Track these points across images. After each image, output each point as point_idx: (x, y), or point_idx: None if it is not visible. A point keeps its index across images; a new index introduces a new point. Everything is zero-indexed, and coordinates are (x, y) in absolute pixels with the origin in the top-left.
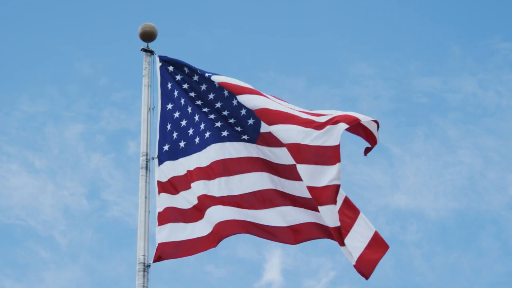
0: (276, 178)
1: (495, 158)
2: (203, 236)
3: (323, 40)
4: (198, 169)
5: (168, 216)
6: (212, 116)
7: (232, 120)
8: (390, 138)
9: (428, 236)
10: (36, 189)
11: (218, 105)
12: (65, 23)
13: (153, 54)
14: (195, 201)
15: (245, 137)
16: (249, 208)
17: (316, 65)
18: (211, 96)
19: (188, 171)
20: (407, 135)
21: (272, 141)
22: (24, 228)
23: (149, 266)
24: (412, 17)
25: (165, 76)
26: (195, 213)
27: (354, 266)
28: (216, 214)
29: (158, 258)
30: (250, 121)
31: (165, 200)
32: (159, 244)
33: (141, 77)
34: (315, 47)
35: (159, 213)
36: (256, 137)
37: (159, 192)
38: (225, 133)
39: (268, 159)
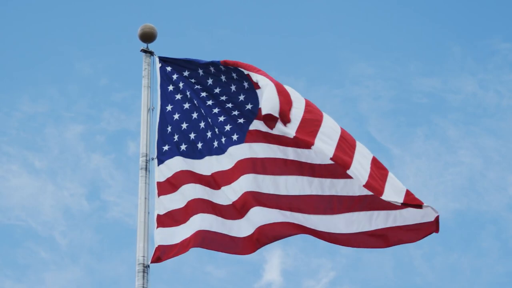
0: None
1: (495, 159)
2: (242, 237)
3: (323, 41)
4: (218, 173)
5: (169, 220)
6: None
7: (222, 118)
8: (390, 138)
9: (428, 236)
10: (36, 189)
11: (209, 102)
12: (65, 24)
13: (152, 55)
14: (193, 197)
15: (235, 136)
16: (296, 211)
17: (316, 66)
18: (203, 94)
19: (190, 171)
20: (407, 135)
21: (261, 138)
22: (24, 229)
23: (148, 266)
24: (412, 17)
25: (165, 78)
26: (192, 210)
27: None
28: (259, 216)
29: (157, 259)
30: (240, 120)
31: (167, 203)
32: (159, 245)
33: (141, 77)
34: (315, 47)
35: (158, 215)
36: (244, 136)
37: (159, 194)
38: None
39: (256, 156)
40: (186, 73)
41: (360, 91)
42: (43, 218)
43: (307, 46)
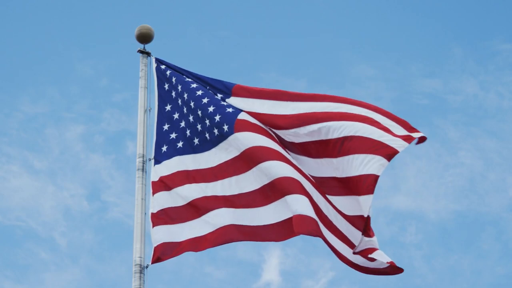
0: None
1: (495, 160)
2: (203, 236)
3: (324, 41)
4: (199, 170)
5: (164, 217)
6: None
7: (207, 133)
8: None
9: (429, 237)
10: (36, 190)
11: (199, 113)
12: (66, 24)
13: (149, 56)
14: (191, 199)
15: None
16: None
17: (317, 67)
18: (192, 104)
19: (186, 171)
20: None
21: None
22: (24, 230)
23: (147, 267)
24: (413, 18)
25: (162, 77)
26: (192, 212)
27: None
28: (220, 217)
29: (157, 259)
30: (225, 128)
31: (161, 201)
32: (158, 245)
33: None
34: (316, 48)
35: (152, 214)
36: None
37: (153, 193)
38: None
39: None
40: (174, 82)
41: (361, 92)
42: (43, 219)
43: (308, 47)
